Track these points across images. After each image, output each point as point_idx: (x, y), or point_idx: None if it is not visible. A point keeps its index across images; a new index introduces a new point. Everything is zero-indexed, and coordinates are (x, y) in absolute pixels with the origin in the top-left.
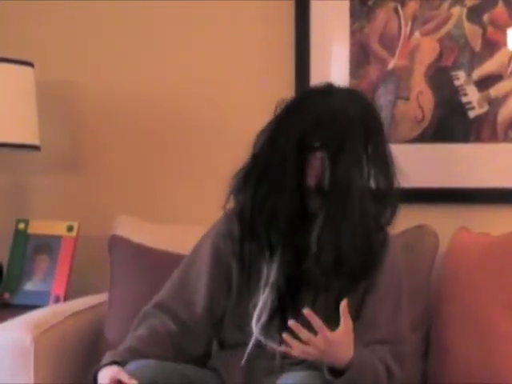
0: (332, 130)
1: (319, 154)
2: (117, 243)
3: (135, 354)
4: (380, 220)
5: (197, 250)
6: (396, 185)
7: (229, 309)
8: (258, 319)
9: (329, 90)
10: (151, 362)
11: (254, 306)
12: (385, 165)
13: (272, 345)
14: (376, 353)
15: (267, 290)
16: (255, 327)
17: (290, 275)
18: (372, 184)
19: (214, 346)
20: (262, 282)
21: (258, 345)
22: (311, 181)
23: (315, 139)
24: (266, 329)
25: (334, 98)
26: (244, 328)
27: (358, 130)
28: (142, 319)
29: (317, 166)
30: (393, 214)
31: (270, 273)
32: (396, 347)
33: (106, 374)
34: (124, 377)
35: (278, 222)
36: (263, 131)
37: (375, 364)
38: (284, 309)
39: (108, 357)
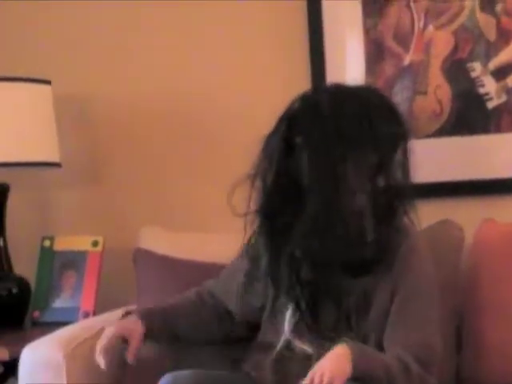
0: (307, 125)
1: (300, 150)
2: (141, 256)
3: (165, 314)
4: (388, 216)
5: (239, 254)
6: (403, 182)
7: (267, 308)
8: (290, 319)
9: (327, 87)
10: (185, 372)
11: (286, 305)
12: (390, 161)
13: (301, 346)
14: (391, 353)
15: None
16: (286, 326)
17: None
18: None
19: (250, 350)
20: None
21: (290, 346)
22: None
23: (297, 135)
24: (297, 329)
25: (323, 95)
26: (278, 327)
27: (336, 125)
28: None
29: (300, 163)
30: (396, 209)
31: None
32: (424, 354)
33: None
34: (132, 344)
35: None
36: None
37: (385, 359)
38: (304, 312)
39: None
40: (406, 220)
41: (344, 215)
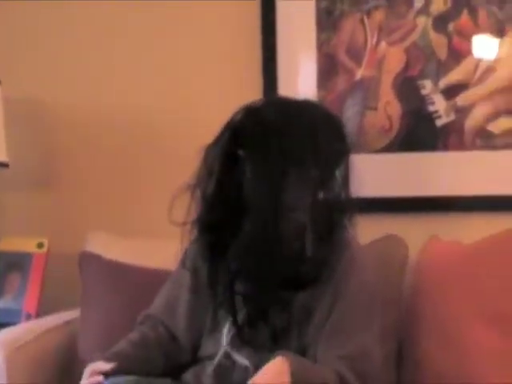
0: (250, 139)
1: (244, 163)
2: (87, 259)
3: (125, 357)
4: (328, 230)
5: (178, 267)
6: (344, 195)
7: (207, 320)
8: (229, 330)
9: (268, 101)
10: (126, 378)
11: (225, 317)
12: (329, 175)
13: (239, 358)
14: (327, 364)
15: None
16: (224, 338)
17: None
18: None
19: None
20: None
21: (229, 358)
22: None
23: (239, 148)
24: (234, 342)
25: (265, 108)
26: (217, 338)
27: (279, 140)
28: (133, 327)
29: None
30: (336, 223)
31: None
32: (360, 364)
33: (86, 371)
34: (102, 365)
35: (221, 232)
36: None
37: (322, 371)
38: (243, 324)
39: (95, 358)
40: (346, 234)
41: (283, 232)
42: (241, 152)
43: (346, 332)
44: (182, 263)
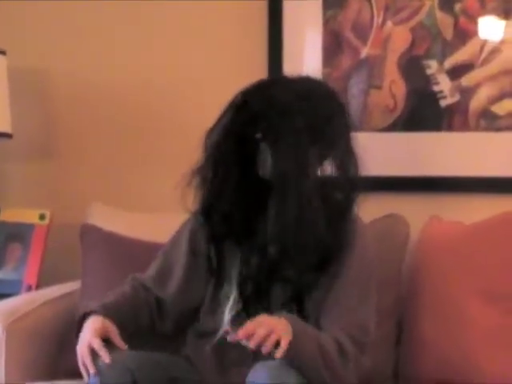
0: (268, 121)
1: (262, 146)
2: (88, 231)
3: (118, 310)
4: (342, 209)
5: (177, 234)
6: (354, 173)
7: (207, 296)
8: (231, 309)
9: (272, 81)
10: (125, 352)
11: (227, 296)
12: (340, 153)
13: (233, 336)
14: (328, 333)
15: (234, 286)
16: (226, 316)
17: (251, 271)
18: (330, 172)
19: (190, 334)
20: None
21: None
22: (261, 172)
23: (256, 131)
24: (236, 319)
25: (274, 90)
26: (218, 316)
27: (296, 120)
28: (125, 283)
29: (263, 158)
30: (350, 201)
31: (234, 269)
32: (358, 335)
33: (92, 324)
34: (115, 337)
35: (233, 217)
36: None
37: (320, 337)
38: (249, 302)
39: (92, 305)
40: (355, 212)
41: (312, 211)
42: (258, 135)
43: (344, 306)
44: (187, 244)
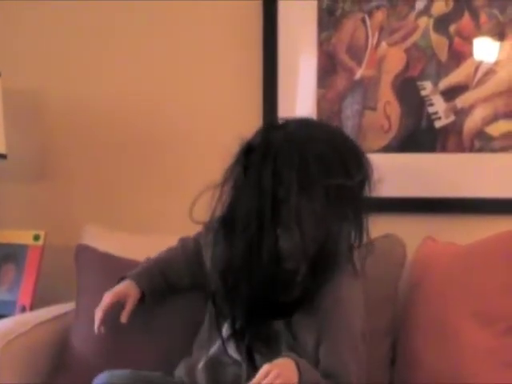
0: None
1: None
2: (83, 252)
3: (151, 277)
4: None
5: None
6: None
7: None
8: (226, 329)
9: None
10: (119, 372)
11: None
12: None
13: (234, 355)
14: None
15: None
16: (224, 333)
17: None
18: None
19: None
20: None
21: (224, 351)
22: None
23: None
24: (231, 338)
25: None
26: (215, 332)
27: (270, 162)
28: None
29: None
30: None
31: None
32: (337, 380)
33: (117, 287)
34: (127, 305)
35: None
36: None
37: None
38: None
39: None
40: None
41: (270, 252)
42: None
43: (325, 347)
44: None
